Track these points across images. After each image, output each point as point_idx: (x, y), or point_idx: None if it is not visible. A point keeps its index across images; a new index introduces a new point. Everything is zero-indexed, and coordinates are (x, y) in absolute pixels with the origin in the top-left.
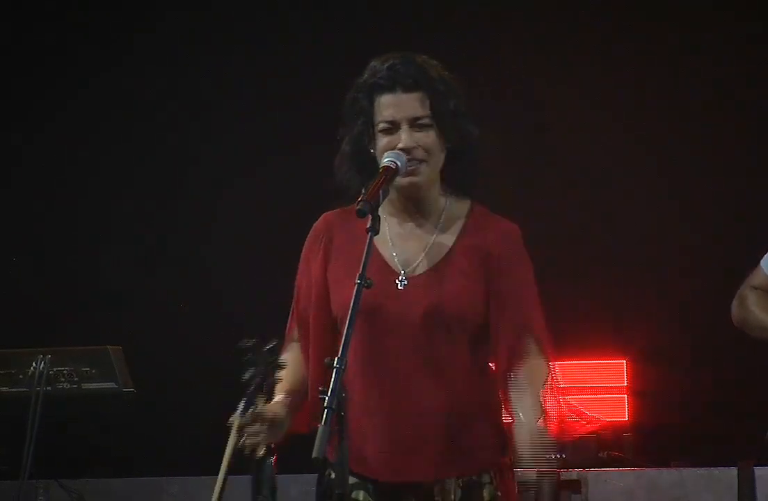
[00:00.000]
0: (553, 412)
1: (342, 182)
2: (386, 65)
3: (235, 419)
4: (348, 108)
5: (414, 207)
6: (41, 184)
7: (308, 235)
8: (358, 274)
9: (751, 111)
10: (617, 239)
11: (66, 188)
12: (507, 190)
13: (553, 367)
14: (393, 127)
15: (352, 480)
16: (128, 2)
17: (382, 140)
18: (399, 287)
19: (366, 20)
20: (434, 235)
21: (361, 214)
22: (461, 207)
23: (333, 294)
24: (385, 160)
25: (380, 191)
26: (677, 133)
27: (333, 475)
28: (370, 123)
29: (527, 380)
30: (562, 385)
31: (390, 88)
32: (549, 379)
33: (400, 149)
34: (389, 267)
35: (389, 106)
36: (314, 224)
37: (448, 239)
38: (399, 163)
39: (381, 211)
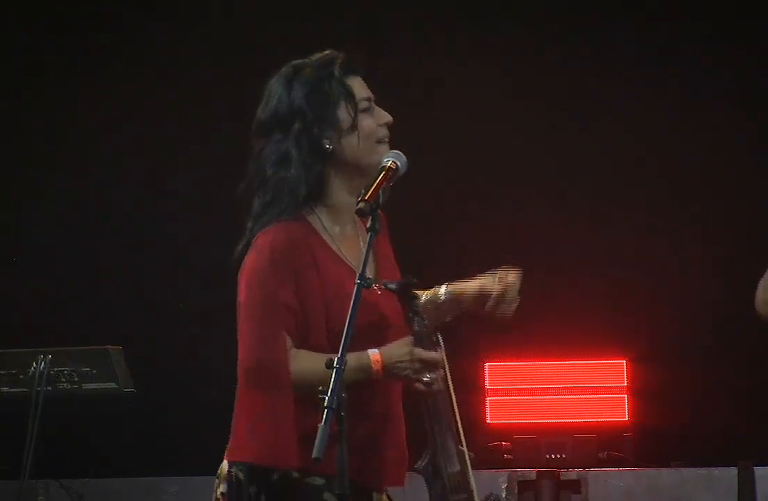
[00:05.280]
0: None
1: (285, 185)
2: (337, 54)
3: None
4: (311, 98)
5: (350, 207)
6: (40, 184)
7: (274, 253)
8: (358, 274)
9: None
10: (618, 239)
11: (65, 188)
12: (508, 189)
13: None
14: (370, 106)
15: (319, 481)
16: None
17: (365, 118)
18: (379, 293)
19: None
20: (359, 238)
21: (362, 214)
22: None
23: (334, 304)
24: (386, 160)
25: (380, 191)
26: (678, 133)
27: (294, 475)
28: (350, 104)
29: None
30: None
31: (355, 71)
32: None
33: (386, 123)
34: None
35: (360, 86)
36: (274, 242)
37: (361, 238)
38: (399, 163)
39: (319, 214)
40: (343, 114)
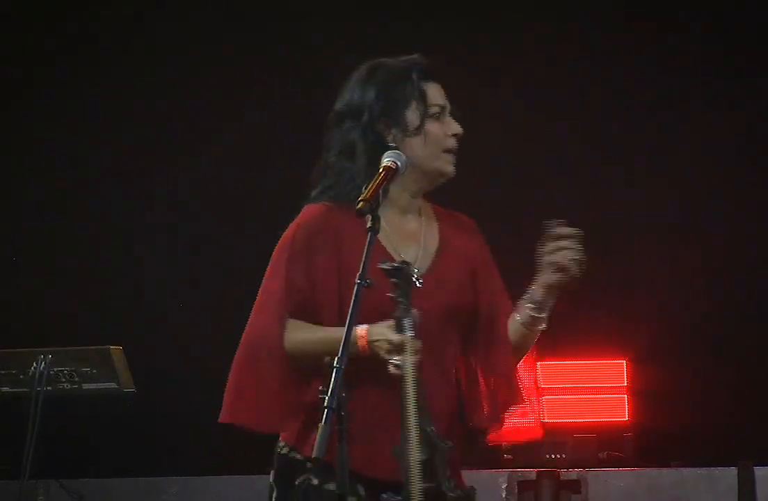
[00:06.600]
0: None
1: (346, 174)
2: (419, 59)
3: (408, 340)
4: (383, 94)
5: (412, 205)
6: (40, 184)
7: (300, 228)
8: (358, 274)
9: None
10: (617, 239)
11: (66, 189)
12: (509, 189)
13: None
14: (441, 114)
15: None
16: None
17: (433, 124)
18: (418, 285)
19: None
20: (422, 234)
21: (361, 214)
22: (426, 204)
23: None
24: (386, 160)
25: (380, 191)
26: (674, 135)
27: (314, 482)
28: (420, 108)
29: None
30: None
31: (432, 77)
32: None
33: (455, 135)
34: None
35: (436, 93)
36: (306, 218)
37: (434, 237)
38: (399, 163)
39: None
40: (412, 115)
